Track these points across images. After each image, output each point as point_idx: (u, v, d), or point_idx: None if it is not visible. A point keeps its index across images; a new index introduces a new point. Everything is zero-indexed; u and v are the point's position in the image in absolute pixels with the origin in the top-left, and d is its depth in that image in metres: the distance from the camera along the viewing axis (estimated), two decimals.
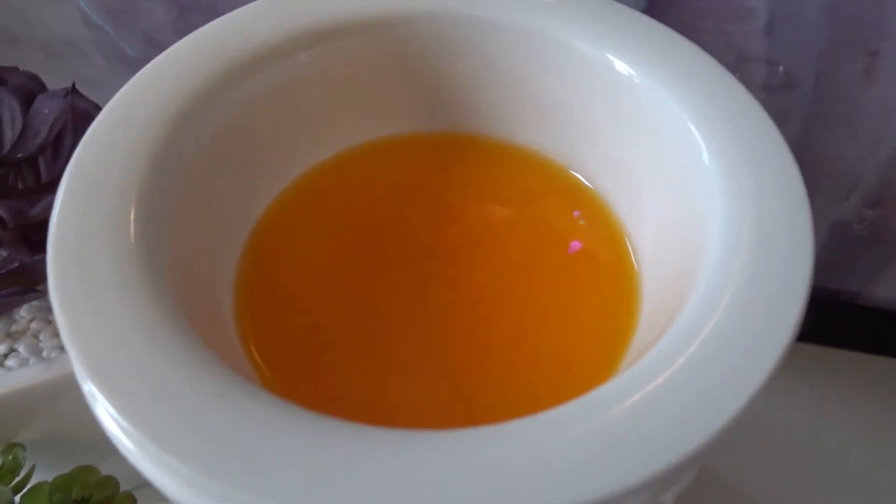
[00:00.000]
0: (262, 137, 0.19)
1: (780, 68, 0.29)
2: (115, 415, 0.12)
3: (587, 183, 0.20)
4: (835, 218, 0.31)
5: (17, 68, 0.28)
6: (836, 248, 0.32)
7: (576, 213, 0.20)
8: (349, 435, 0.12)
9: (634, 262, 0.18)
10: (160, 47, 0.33)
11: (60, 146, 0.27)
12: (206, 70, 0.18)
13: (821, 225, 0.31)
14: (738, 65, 0.28)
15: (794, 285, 0.13)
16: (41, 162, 0.27)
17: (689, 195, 0.15)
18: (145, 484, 0.27)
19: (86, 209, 0.15)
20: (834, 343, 0.35)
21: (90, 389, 0.13)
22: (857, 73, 0.26)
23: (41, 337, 0.25)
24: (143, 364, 0.13)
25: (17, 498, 0.22)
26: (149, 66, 0.18)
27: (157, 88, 0.17)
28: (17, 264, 0.22)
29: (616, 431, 0.11)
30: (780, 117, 0.29)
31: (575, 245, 0.20)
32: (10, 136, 0.26)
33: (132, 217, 0.15)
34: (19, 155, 0.25)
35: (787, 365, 0.36)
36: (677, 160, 0.16)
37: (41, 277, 0.23)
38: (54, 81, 0.28)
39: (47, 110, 0.25)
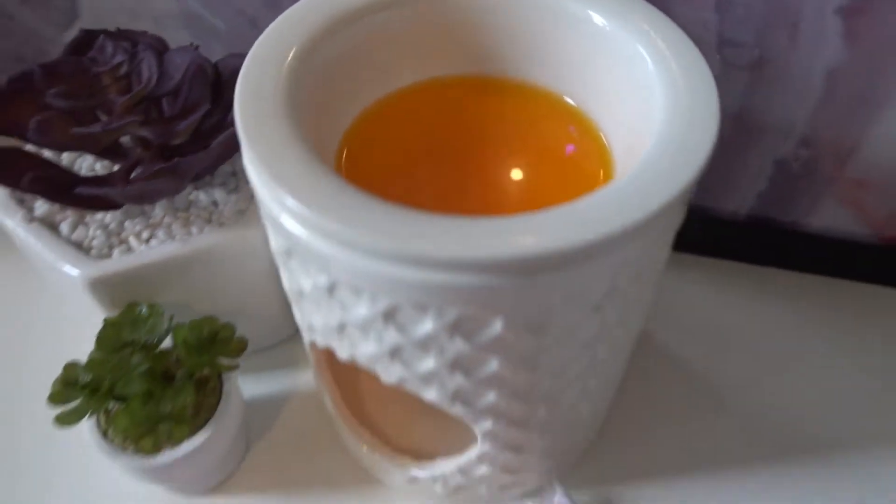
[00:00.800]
0: (361, 66, 0.28)
1: (756, 51, 0.37)
2: (297, 208, 0.21)
3: (576, 105, 0.29)
4: (777, 157, 0.39)
5: (146, 32, 0.37)
6: (779, 182, 0.41)
7: (571, 128, 0.29)
8: (422, 216, 0.21)
9: (610, 150, 0.27)
10: (251, 20, 0.41)
11: (179, 89, 0.36)
12: (323, 16, 0.27)
13: (767, 162, 0.40)
14: (719, 47, 0.36)
15: (708, 130, 0.22)
16: (164, 101, 0.36)
17: (640, 94, 0.24)
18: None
19: (255, 97, 0.23)
20: (776, 264, 0.44)
21: (278, 198, 0.21)
22: (784, 40, 0.34)
23: (173, 227, 0.34)
24: (305, 179, 0.21)
25: None
26: (280, 17, 0.27)
27: (291, 30, 0.26)
28: (174, 161, 0.31)
29: (604, 206, 0.20)
30: (737, 79, 0.37)
31: (570, 148, 0.28)
32: (147, 78, 0.34)
33: (283, 103, 0.24)
34: (158, 93, 0.34)
35: (738, 283, 0.45)
36: (633, 73, 0.24)
37: (185, 175, 0.32)
38: None
39: (179, 60, 0.34)
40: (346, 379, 0.37)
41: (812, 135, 0.38)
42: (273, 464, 0.37)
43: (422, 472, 0.34)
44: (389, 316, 0.23)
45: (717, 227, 0.44)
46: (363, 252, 0.20)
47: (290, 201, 0.21)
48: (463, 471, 0.32)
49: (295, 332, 0.41)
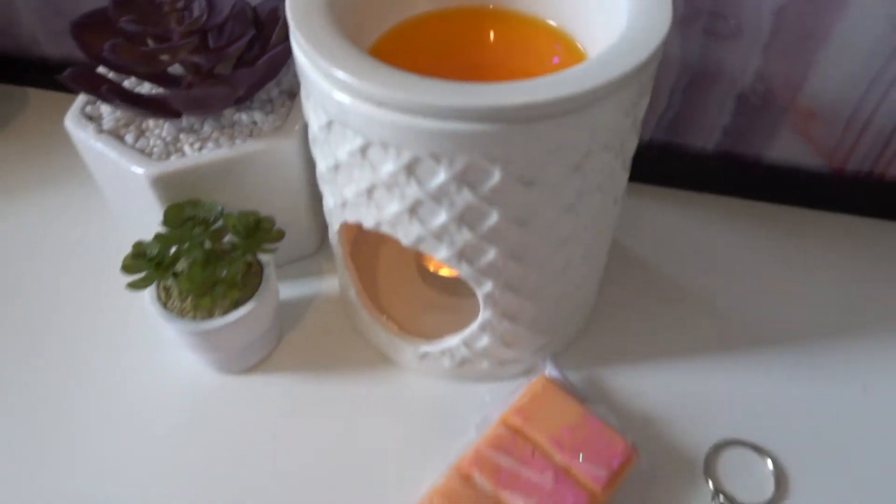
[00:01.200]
0: None
1: (732, 21, 0.43)
2: (346, 78, 0.27)
3: (557, 26, 0.35)
4: (738, 91, 0.45)
5: None
6: (741, 116, 0.47)
7: (556, 46, 0.35)
8: (440, 81, 0.26)
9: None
10: None
11: (225, 24, 0.41)
12: None
13: (728, 97, 0.46)
14: (697, 15, 0.42)
15: (662, 22, 0.28)
16: (209, 37, 0.42)
17: (609, 8, 0.30)
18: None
19: (303, 8, 0.30)
20: (741, 194, 0.50)
21: (329, 74, 0.27)
22: None
23: (220, 140, 0.40)
24: (349, 59, 0.27)
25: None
26: None
27: None
28: (227, 73, 0.37)
29: (578, 74, 0.26)
30: (699, 23, 0.43)
31: (556, 59, 0.34)
32: (199, 13, 0.40)
33: (324, 14, 0.30)
34: (209, 25, 0.40)
35: (707, 210, 0.52)
36: None
37: (238, 85, 0.38)
38: None
39: None
40: (366, 277, 0.43)
41: (766, 70, 0.44)
42: (300, 351, 0.43)
43: (431, 347, 0.39)
44: (411, 170, 0.28)
45: (688, 162, 0.50)
46: (394, 108, 0.26)
47: (340, 74, 0.27)
48: (467, 343, 0.38)
49: (318, 248, 0.47)
